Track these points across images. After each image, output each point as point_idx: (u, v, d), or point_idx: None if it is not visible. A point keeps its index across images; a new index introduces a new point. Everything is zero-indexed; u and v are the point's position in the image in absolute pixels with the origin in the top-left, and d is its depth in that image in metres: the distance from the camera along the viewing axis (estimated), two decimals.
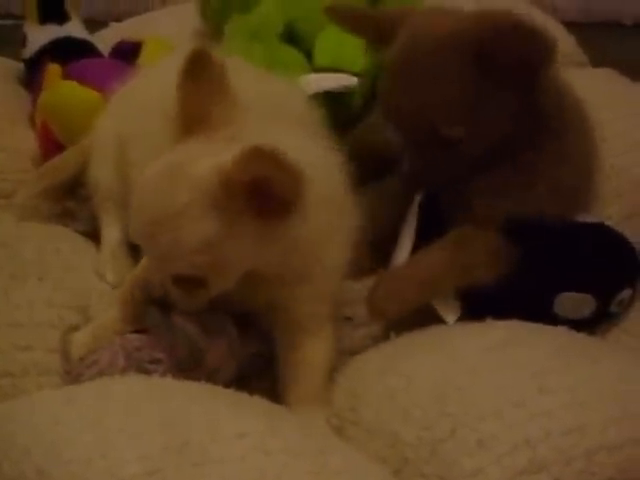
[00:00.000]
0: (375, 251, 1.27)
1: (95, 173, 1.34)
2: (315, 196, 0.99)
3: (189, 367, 1.08)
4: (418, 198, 1.21)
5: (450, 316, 1.16)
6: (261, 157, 0.93)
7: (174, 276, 1.02)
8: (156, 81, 1.25)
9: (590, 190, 1.26)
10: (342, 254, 1.10)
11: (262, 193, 0.95)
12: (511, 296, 1.15)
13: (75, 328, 1.14)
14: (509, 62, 1.09)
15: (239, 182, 0.95)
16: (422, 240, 1.19)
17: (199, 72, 1.03)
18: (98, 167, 1.34)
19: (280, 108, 1.15)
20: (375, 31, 1.22)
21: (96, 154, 1.34)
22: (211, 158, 0.98)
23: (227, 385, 1.05)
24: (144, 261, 1.12)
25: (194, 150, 1.01)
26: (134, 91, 1.31)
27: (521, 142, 1.16)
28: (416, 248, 1.18)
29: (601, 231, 1.23)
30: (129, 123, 1.27)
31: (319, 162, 1.06)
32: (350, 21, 1.24)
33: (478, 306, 1.15)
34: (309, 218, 1.01)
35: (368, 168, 1.20)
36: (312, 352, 1.10)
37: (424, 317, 1.17)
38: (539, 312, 1.15)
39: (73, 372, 1.08)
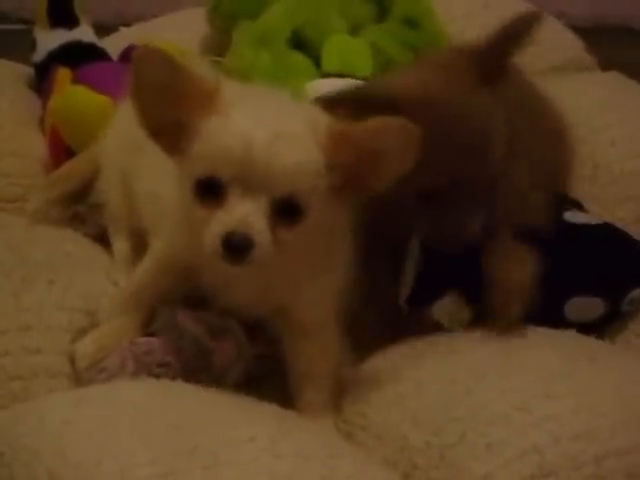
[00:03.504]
0: None
1: (103, 189, 1.33)
2: None
3: (197, 368, 1.08)
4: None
5: (456, 325, 1.17)
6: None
7: (276, 201, 0.96)
8: None
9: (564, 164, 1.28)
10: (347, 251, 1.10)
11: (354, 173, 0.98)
12: None
13: (85, 331, 1.14)
14: None
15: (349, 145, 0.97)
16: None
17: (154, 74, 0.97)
18: (106, 184, 1.32)
19: None
20: None
21: (104, 170, 1.33)
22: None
23: (236, 387, 1.05)
24: (147, 266, 1.13)
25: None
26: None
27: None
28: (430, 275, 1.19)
29: (606, 232, 1.23)
30: (124, 151, 1.25)
31: None
32: None
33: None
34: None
35: None
36: (317, 358, 1.09)
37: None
38: (550, 318, 1.15)
39: (83, 379, 1.09)
